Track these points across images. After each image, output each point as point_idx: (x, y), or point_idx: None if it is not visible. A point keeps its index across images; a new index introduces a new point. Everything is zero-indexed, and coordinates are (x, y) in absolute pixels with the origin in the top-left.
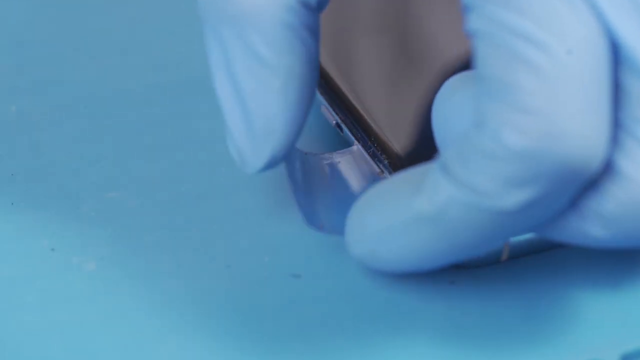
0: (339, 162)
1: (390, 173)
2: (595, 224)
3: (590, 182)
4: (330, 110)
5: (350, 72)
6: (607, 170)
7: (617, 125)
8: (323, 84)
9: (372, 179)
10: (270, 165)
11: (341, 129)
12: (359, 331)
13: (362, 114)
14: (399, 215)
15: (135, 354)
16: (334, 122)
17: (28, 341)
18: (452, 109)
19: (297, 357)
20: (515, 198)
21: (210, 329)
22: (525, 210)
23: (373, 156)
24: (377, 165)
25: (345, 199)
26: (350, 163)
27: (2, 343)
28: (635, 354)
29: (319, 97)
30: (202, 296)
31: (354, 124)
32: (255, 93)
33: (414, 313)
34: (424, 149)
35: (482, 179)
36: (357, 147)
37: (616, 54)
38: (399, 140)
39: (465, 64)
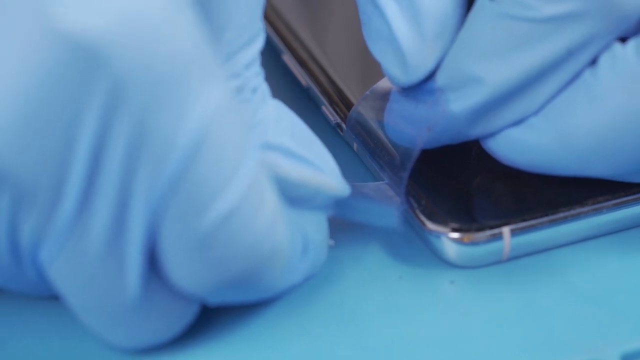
0: None
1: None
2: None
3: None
4: (330, 110)
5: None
6: None
7: None
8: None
9: None
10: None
11: (341, 129)
12: (358, 331)
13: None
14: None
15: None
16: (334, 122)
17: None
18: None
19: (297, 357)
20: (552, 9)
21: (210, 329)
22: (559, 23)
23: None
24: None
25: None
26: None
27: None
28: (635, 354)
29: (319, 97)
30: None
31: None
32: None
33: (414, 313)
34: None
35: None
36: None
37: None
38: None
39: None
